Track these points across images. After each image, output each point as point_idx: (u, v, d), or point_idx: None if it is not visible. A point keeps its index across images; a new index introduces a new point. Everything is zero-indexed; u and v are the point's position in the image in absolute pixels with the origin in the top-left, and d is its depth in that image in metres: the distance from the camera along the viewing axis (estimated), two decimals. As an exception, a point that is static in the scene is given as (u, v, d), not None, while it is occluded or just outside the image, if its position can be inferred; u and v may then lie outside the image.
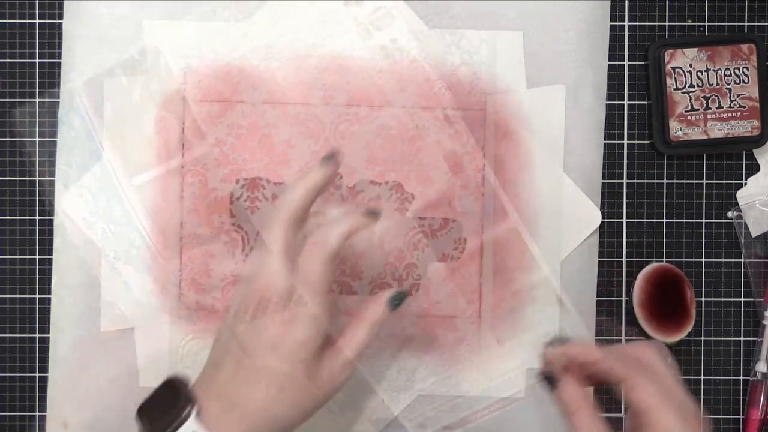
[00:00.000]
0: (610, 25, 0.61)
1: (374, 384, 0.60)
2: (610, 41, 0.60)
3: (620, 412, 0.61)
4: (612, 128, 0.61)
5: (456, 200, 0.60)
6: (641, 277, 0.59)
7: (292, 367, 0.48)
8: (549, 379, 0.49)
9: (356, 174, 0.60)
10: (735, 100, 0.60)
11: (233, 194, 0.60)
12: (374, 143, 0.60)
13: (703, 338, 0.61)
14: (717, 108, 0.60)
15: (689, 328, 0.59)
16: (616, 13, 0.61)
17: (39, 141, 0.60)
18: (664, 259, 0.61)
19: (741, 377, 0.61)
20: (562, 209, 0.60)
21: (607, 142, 0.61)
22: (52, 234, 0.59)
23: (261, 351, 0.49)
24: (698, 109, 0.60)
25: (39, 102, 0.60)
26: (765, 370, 0.60)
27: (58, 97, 0.59)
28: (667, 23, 0.61)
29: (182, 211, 0.59)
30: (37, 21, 0.60)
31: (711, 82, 0.60)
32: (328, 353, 0.50)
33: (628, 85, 0.61)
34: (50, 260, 0.59)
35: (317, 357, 0.50)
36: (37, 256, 0.60)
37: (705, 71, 0.60)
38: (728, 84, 0.60)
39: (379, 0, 0.60)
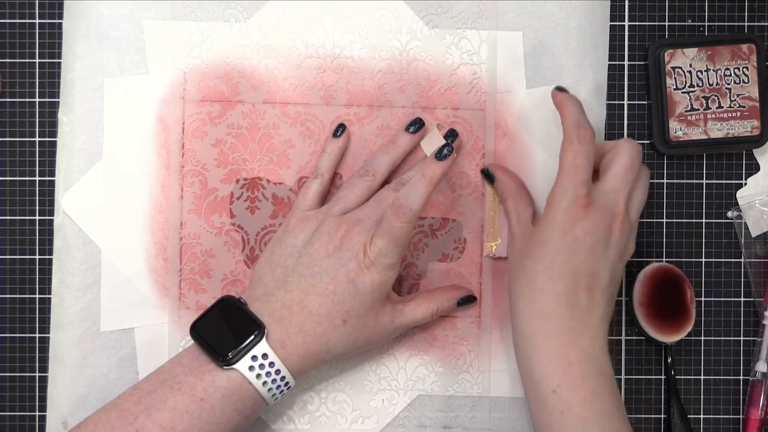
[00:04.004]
0: (610, 25, 0.61)
1: (374, 383, 0.60)
2: (610, 41, 0.60)
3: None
4: (612, 128, 0.61)
5: (456, 200, 0.60)
6: (642, 276, 0.59)
7: (362, 304, 0.52)
8: (486, 174, 0.58)
9: (356, 174, 0.60)
10: (735, 100, 0.60)
11: (233, 194, 0.60)
12: (374, 143, 0.60)
13: (703, 338, 0.61)
14: (717, 108, 0.60)
15: (689, 328, 0.59)
16: (616, 13, 0.61)
17: (39, 141, 0.60)
18: (664, 259, 0.61)
19: (741, 377, 0.61)
20: (562, 209, 0.60)
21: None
22: (52, 234, 0.59)
23: (338, 284, 0.52)
24: (698, 109, 0.60)
25: (39, 102, 0.60)
26: (765, 370, 0.60)
27: (58, 97, 0.59)
28: (667, 23, 0.61)
29: (182, 211, 0.59)
30: (37, 21, 0.60)
31: (711, 82, 0.60)
32: (389, 304, 0.55)
33: (628, 85, 0.61)
34: (50, 260, 0.59)
35: (383, 303, 0.54)
36: (37, 256, 0.60)
37: (705, 71, 0.60)
38: (728, 84, 0.60)
39: (380, 0, 0.60)
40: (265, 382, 0.51)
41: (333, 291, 0.52)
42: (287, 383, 0.52)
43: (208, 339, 0.51)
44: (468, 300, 0.58)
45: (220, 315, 0.53)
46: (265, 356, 0.51)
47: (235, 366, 0.50)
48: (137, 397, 0.50)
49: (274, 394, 0.52)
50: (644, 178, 0.54)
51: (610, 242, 0.52)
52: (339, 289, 0.52)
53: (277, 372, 0.51)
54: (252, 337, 0.51)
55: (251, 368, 0.51)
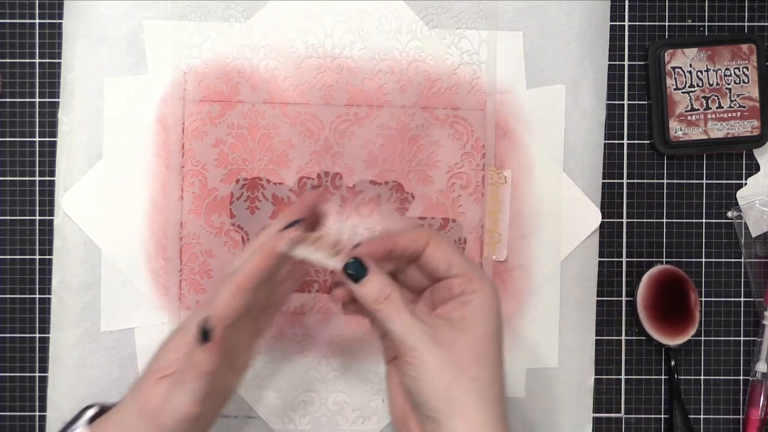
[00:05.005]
0: (610, 25, 0.61)
1: (374, 383, 0.60)
2: (610, 41, 0.60)
3: (620, 412, 0.61)
4: (612, 128, 0.61)
5: (456, 200, 0.60)
6: (646, 278, 0.59)
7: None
8: (354, 269, 0.45)
9: (356, 174, 0.60)
10: (735, 100, 0.60)
11: (233, 194, 0.60)
12: (374, 143, 0.60)
13: (703, 338, 0.61)
14: (717, 108, 0.60)
15: (693, 331, 0.59)
16: (616, 13, 0.61)
17: (39, 141, 0.60)
18: (664, 259, 0.61)
19: (741, 377, 0.61)
20: (562, 209, 0.60)
21: (607, 142, 0.61)
22: (52, 234, 0.59)
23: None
24: (698, 109, 0.60)
25: (39, 102, 0.60)
26: (765, 370, 0.60)
27: (58, 97, 0.59)
28: (667, 23, 0.61)
29: (182, 211, 0.59)
30: (37, 21, 0.60)
31: (711, 82, 0.60)
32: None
33: (628, 85, 0.61)
34: (50, 260, 0.59)
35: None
36: (37, 256, 0.60)
37: (705, 71, 0.60)
38: (728, 84, 0.60)
39: (380, 0, 0.60)
40: None
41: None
42: None
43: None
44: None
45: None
46: None
47: None
48: None
49: None
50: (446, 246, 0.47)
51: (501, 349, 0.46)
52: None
53: None
54: (76, 417, 0.48)
55: None
